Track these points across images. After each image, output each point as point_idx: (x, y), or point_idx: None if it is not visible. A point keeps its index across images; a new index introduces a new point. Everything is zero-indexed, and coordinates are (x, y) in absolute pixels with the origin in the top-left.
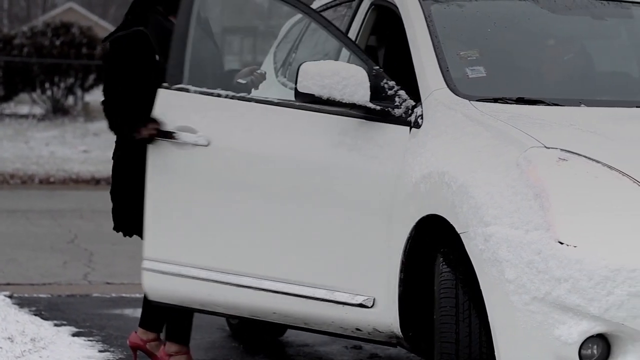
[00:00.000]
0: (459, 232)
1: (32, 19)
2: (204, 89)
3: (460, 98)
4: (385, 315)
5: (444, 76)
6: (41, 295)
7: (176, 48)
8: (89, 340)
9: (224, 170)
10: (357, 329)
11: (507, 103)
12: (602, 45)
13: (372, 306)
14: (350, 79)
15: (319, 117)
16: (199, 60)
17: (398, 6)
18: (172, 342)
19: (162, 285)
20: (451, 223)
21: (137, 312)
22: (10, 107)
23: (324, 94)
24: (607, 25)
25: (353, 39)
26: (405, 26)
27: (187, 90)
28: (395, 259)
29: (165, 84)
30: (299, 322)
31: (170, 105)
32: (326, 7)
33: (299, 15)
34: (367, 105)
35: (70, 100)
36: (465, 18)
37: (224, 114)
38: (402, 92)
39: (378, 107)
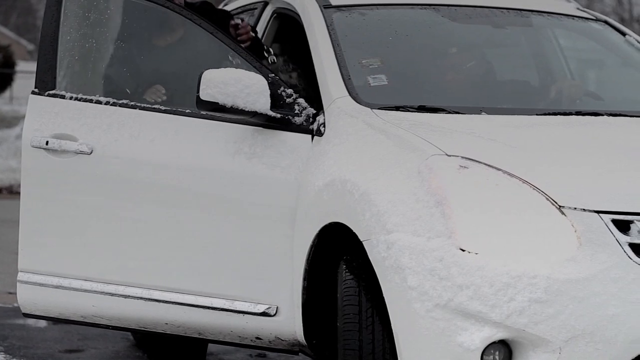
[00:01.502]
0: (361, 239)
1: None
2: (81, 95)
3: (362, 106)
4: (289, 323)
5: (345, 84)
6: None
7: (45, 52)
8: None
9: (109, 179)
10: (258, 338)
11: (409, 111)
12: (502, 54)
13: (275, 314)
14: (252, 87)
15: (211, 124)
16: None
17: (300, 14)
18: None
19: (38, 298)
20: (354, 231)
21: (40, 322)
22: None
23: (228, 102)
24: (507, 34)
25: None
26: (307, 34)
27: (62, 97)
28: (299, 267)
29: (36, 90)
30: (192, 333)
31: (44, 112)
32: None
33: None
34: (268, 114)
35: None
36: (367, 26)
37: (106, 121)
38: (301, 100)
39: (278, 115)
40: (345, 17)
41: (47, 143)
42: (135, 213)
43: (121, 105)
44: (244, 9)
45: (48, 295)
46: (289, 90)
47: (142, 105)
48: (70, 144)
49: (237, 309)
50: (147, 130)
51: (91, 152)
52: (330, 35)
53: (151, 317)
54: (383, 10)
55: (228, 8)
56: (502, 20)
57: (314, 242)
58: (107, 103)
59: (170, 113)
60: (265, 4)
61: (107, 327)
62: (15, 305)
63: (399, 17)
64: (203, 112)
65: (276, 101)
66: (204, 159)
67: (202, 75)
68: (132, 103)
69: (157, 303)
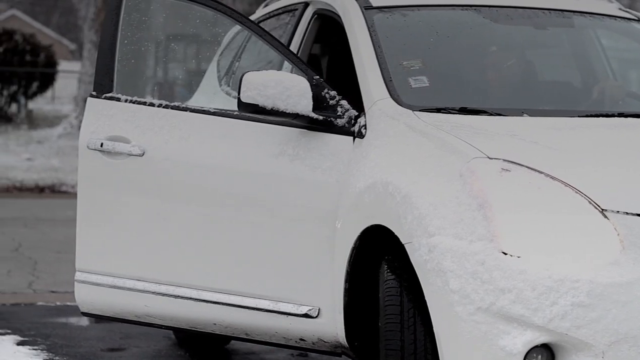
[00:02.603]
0: (403, 242)
1: None
2: (135, 98)
3: (403, 108)
4: (331, 325)
5: (387, 86)
6: None
7: (103, 56)
8: (33, 349)
9: (159, 180)
10: (301, 339)
11: (450, 113)
12: (544, 55)
13: (317, 316)
14: (293, 89)
15: (258, 126)
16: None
17: (341, 15)
18: None
19: (95, 298)
20: (395, 233)
21: (82, 321)
22: None
23: (268, 104)
24: (549, 35)
25: (296, 47)
26: (348, 35)
27: (117, 99)
28: (340, 269)
29: (93, 93)
30: (240, 333)
31: (100, 115)
32: (269, 16)
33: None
34: (310, 115)
35: (14, 107)
36: (408, 28)
37: (158, 123)
38: (344, 102)
39: (321, 117)
40: (386, 18)
41: (101, 145)
42: (184, 214)
43: (172, 108)
44: (285, 10)
45: (104, 295)
46: (333, 92)
47: (191, 107)
48: (123, 145)
49: (281, 310)
50: (197, 132)
51: (143, 154)
52: (371, 37)
53: (200, 317)
54: (424, 11)
55: (269, 9)
56: (543, 21)
57: (355, 244)
58: (159, 105)
59: (218, 115)
60: (306, 5)
61: (160, 326)
62: (58, 303)
63: (440, 18)
64: (246, 114)
65: (319, 103)
66: (250, 161)
67: (243, 78)
68: (183, 105)
69: (205, 303)
